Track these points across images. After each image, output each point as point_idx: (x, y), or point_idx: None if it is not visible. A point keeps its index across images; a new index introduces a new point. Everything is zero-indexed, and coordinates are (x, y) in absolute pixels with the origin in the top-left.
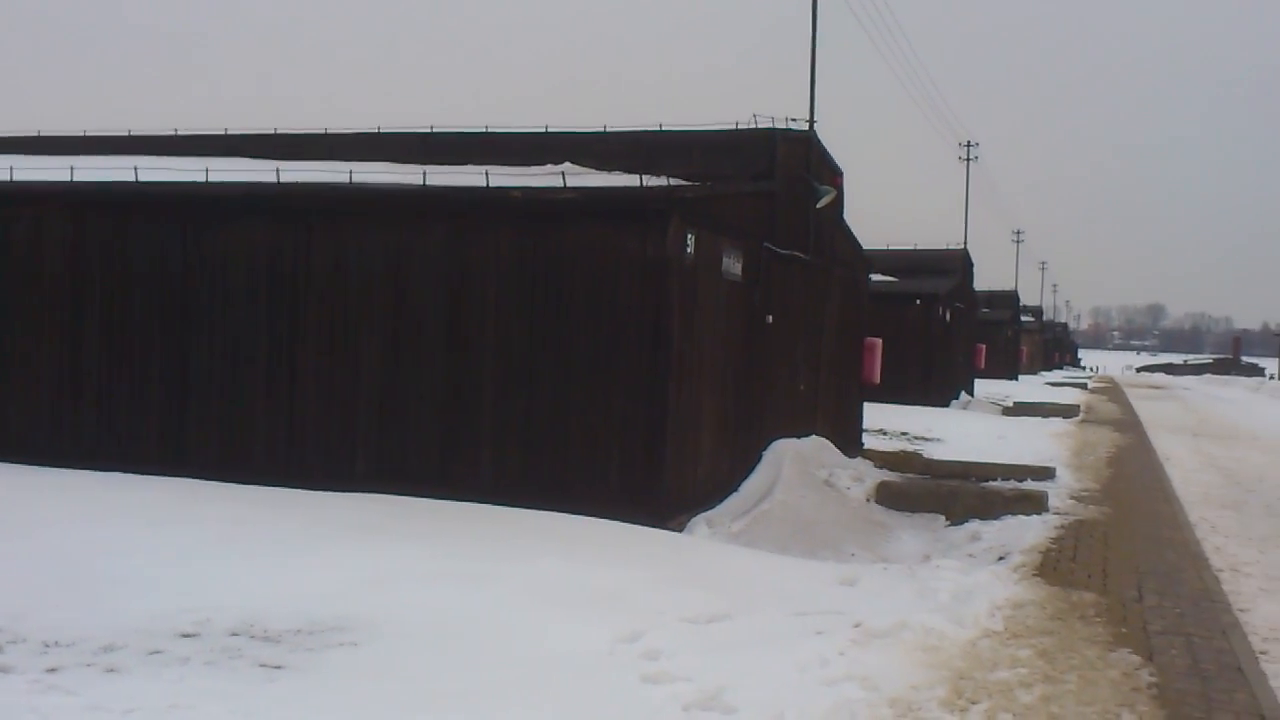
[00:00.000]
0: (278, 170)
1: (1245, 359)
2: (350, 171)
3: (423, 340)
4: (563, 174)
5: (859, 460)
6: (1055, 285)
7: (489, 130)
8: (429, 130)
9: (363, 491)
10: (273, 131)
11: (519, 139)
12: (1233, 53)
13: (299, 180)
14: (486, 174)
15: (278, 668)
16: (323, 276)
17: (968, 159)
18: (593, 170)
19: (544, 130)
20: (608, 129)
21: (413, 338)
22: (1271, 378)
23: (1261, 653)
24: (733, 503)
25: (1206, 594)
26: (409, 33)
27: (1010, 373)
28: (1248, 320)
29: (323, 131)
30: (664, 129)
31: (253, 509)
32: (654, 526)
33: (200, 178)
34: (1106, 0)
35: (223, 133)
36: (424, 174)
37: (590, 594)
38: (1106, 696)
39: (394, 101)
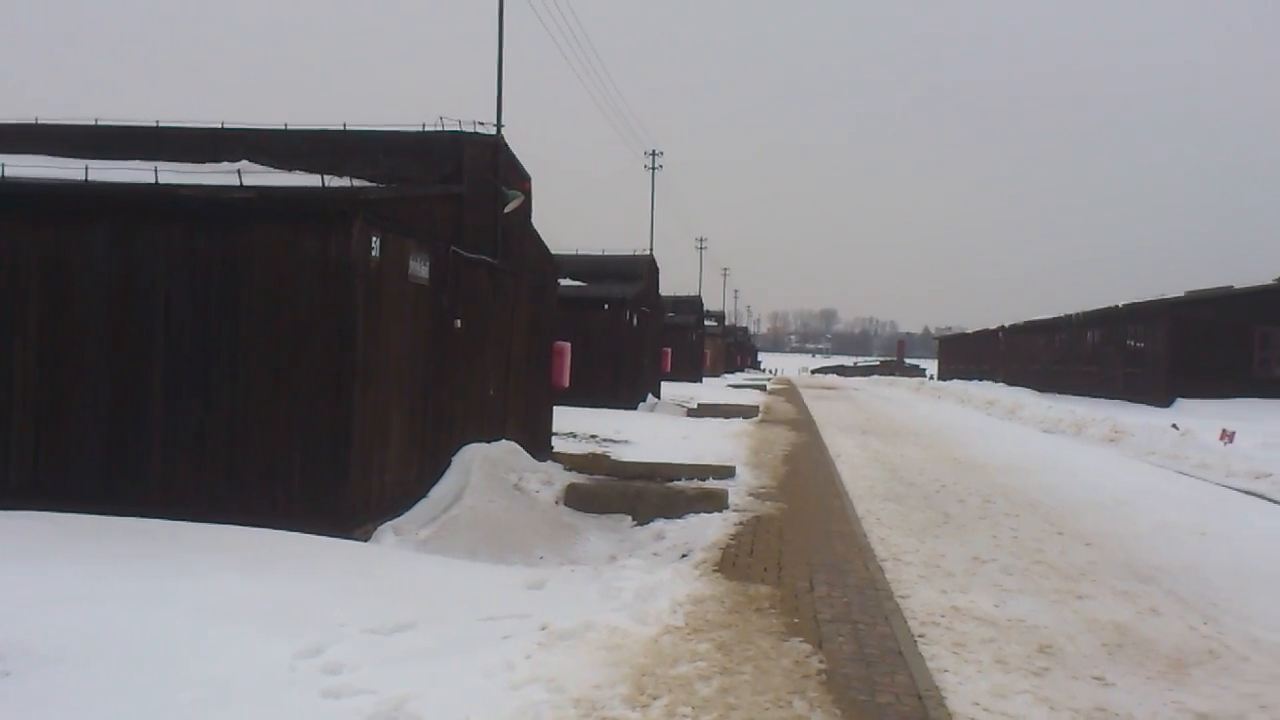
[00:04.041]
0: None
1: (909, 360)
2: (3, 165)
3: (85, 346)
4: (239, 172)
5: (549, 463)
6: (737, 291)
7: (159, 124)
8: (93, 123)
9: (17, 509)
10: None
11: (192, 134)
12: (906, 67)
13: None
14: (155, 170)
15: None
16: None
17: (653, 167)
18: (272, 169)
19: (219, 126)
20: (289, 126)
21: (74, 344)
22: (931, 378)
23: (920, 636)
24: (421, 509)
25: (871, 583)
26: (74, 19)
27: (695, 375)
28: (911, 324)
29: None
30: (349, 128)
31: None
32: (339, 536)
33: None
34: (784, 17)
35: None
36: (86, 169)
37: (269, 609)
38: (780, 684)
39: (53, 92)
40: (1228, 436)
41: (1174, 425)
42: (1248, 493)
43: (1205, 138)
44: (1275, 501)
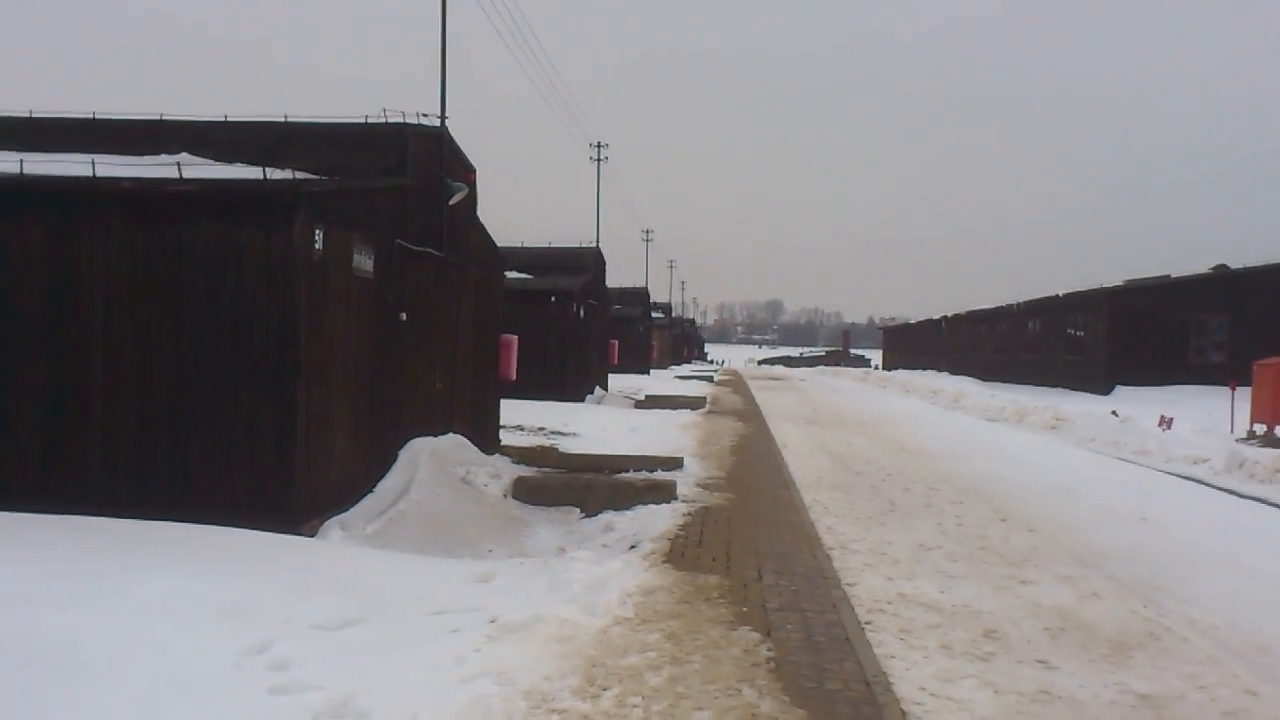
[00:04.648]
0: None
1: (854, 351)
2: None
3: (21, 342)
4: (178, 164)
5: (497, 456)
6: (684, 283)
7: (96, 116)
8: (28, 115)
9: None
10: None
11: (131, 126)
12: (850, 62)
13: None
14: (93, 163)
15: None
16: None
17: (598, 159)
18: (213, 162)
19: (159, 118)
20: (229, 118)
21: (10, 339)
22: (876, 368)
23: (867, 623)
24: (368, 504)
25: (819, 571)
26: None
27: (642, 367)
28: (855, 315)
29: None
30: (290, 120)
31: None
32: (284, 533)
33: None
34: (725, 12)
35: None
36: (21, 162)
37: (215, 606)
38: (729, 673)
39: None
40: (1166, 422)
41: (1114, 412)
42: (1186, 477)
43: (1146, 131)
44: (1212, 486)
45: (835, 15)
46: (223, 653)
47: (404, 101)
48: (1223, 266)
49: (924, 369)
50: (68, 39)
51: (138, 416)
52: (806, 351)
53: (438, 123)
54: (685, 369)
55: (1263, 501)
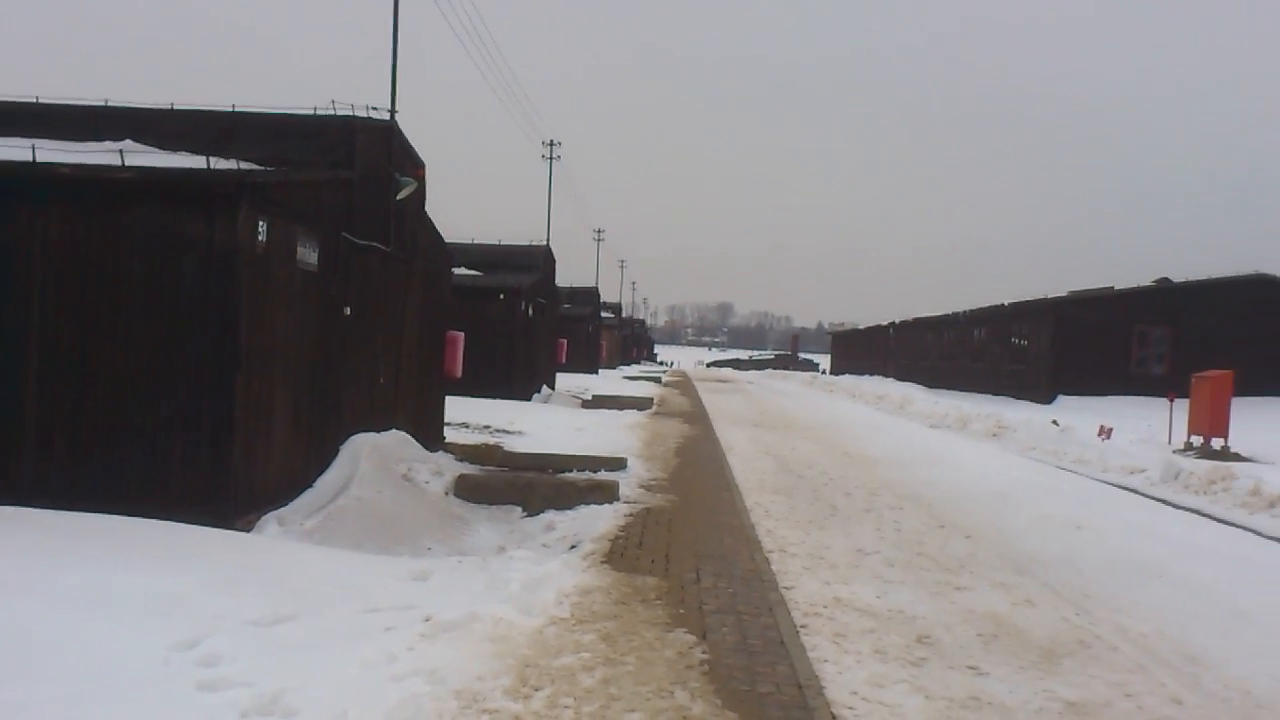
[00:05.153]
0: None
1: (802, 355)
2: None
3: None
4: (121, 152)
5: (440, 454)
6: (634, 283)
7: (39, 101)
8: None
9: None
10: None
11: (73, 112)
12: (804, 66)
13: None
14: (33, 148)
15: None
16: None
17: (550, 158)
18: (156, 150)
19: (103, 104)
20: (174, 106)
21: None
22: (824, 372)
23: (802, 627)
24: (307, 499)
25: (757, 574)
26: None
27: (591, 367)
28: (805, 319)
29: None
30: (238, 110)
31: None
32: (221, 526)
33: None
34: (687, 17)
35: None
36: None
37: (146, 601)
38: (662, 675)
39: None
40: (1105, 432)
41: (1055, 421)
42: (1123, 487)
43: (1099, 148)
44: (1148, 496)
45: (803, 29)
46: (152, 648)
47: (353, 94)
48: (1165, 280)
49: (871, 374)
50: (9, 24)
51: (73, 405)
52: (755, 354)
53: (387, 116)
54: (634, 370)
55: (1196, 512)
